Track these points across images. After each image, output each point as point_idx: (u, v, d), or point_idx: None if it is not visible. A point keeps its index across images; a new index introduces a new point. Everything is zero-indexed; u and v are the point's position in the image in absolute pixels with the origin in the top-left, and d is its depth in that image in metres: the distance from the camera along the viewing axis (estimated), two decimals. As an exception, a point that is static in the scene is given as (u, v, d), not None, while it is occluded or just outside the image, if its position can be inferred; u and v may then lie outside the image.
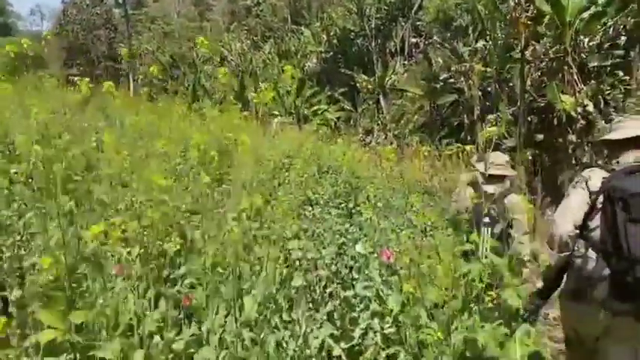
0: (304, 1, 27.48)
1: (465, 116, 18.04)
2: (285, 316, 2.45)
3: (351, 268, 3.17)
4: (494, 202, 4.33)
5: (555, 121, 11.29)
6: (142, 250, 2.57)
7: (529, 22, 10.71)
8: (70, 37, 26.25)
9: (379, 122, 20.72)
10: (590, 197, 2.86)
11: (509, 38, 13.35)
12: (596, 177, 2.87)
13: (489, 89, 15.82)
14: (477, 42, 16.87)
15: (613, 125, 3.14)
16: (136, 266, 2.48)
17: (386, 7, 23.74)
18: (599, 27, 11.32)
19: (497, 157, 4.56)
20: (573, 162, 10.91)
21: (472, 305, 2.31)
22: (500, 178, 4.40)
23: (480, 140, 14.09)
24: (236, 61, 25.38)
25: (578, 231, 2.88)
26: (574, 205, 2.91)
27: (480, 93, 16.97)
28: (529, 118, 12.88)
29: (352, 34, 24.15)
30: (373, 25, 23.37)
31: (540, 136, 12.32)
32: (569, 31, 10.43)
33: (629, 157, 2.87)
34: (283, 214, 4.59)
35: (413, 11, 22.83)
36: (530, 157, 11.53)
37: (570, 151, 10.96)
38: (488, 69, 15.69)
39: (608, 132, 3.06)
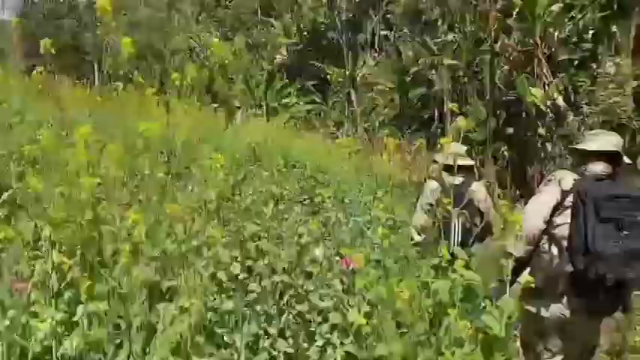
0: (274, -8, 26.96)
1: (436, 109, 17.95)
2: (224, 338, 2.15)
3: (310, 274, 2.87)
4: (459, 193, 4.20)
5: (525, 115, 11.19)
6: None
7: (499, 15, 10.56)
8: (32, 26, 25.29)
9: (350, 115, 20.50)
10: (561, 195, 2.99)
11: (479, 31, 13.21)
12: (568, 178, 3.01)
13: (459, 83, 15.72)
14: (446, 35, 16.73)
15: (588, 136, 3.27)
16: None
17: (357, 0, 23.46)
18: (567, 20, 11.25)
19: (460, 148, 4.42)
20: (542, 156, 10.84)
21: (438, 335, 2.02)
22: (467, 169, 4.39)
23: (450, 134, 14.02)
24: (205, 53, 24.79)
25: (544, 226, 3.01)
26: (545, 201, 3.04)
27: (450, 86, 16.88)
28: (499, 112, 12.80)
29: (323, 26, 23.81)
30: (344, 18, 23.07)
31: (510, 130, 12.23)
32: (538, 24, 10.30)
33: (597, 168, 3.02)
34: (242, 212, 4.29)
35: (384, 4, 22.59)
36: (499, 151, 11.43)
37: (540, 144, 10.87)
38: (458, 62, 15.58)
39: (583, 141, 3.20)
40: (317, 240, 3.91)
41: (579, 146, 3.16)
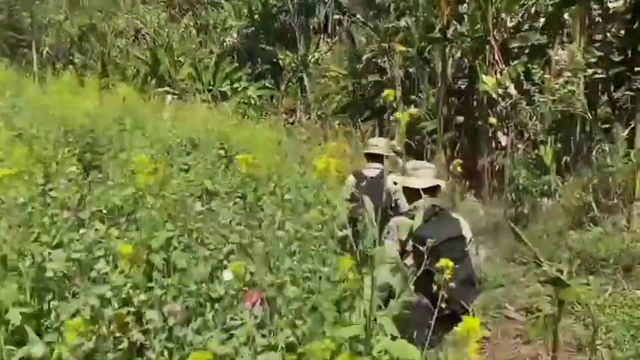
0: (225, -28, 25.91)
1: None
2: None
3: (216, 301, 2.34)
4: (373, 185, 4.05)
5: (476, 103, 10.89)
6: None
7: (451, 0, 10.16)
8: (-38, 2, 23.54)
9: (302, 102, 19.91)
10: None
11: (431, 17, 12.82)
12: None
13: (411, 70, 15.35)
14: (398, 20, 16.30)
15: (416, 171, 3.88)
16: None
17: (309, -18, 22.78)
18: (519, 7, 10.97)
19: (377, 140, 5.25)
20: (493, 146, 10.59)
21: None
22: (378, 159, 4.88)
23: (401, 122, 13.48)
24: (151, 35, 23.64)
25: None
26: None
27: (402, 74, 16.50)
28: (450, 100, 12.50)
29: (275, 9, 23.04)
30: (296, 1, 22.38)
31: (461, 119, 11.93)
32: (490, 10, 9.97)
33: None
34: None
35: (336, -12, 21.99)
36: (450, 141, 11.12)
37: (490, 134, 10.61)
38: (410, 49, 15.19)
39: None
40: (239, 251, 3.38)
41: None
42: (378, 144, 5.07)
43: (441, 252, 2.88)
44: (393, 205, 4.75)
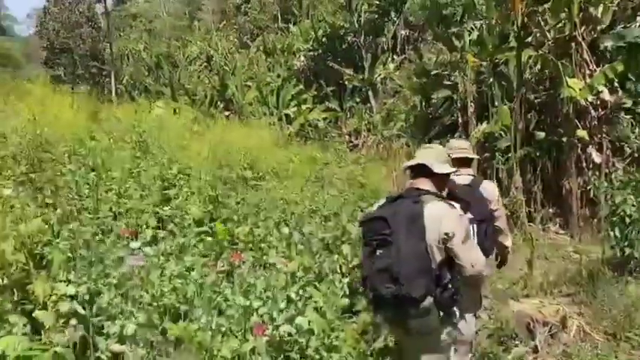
0: (294, -2, 25.15)
1: (459, 114, 15.59)
2: None
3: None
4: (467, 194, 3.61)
5: (560, 115, 8.78)
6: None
7: (526, -1, 8.23)
8: (50, 36, 24.16)
9: (367, 122, 18.29)
10: None
11: (505, 22, 10.84)
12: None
13: (484, 83, 13.36)
14: (470, 33, 14.35)
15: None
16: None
17: (377, 2, 21.35)
18: None
19: (461, 142, 4.32)
20: (583, 165, 8.41)
21: None
22: (464, 164, 3.93)
23: (473, 140, 11.24)
24: (222, 60, 23.11)
25: None
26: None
27: (474, 88, 14.52)
28: (529, 115, 10.42)
29: (342, 30, 21.77)
30: (363, 21, 21.00)
31: (541, 134, 9.79)
32: (576, 1, 7.87)
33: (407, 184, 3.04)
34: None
35: (406, 6, 20.36)
36: (529, 160, 9.05)
37: (579, 150, 8.46)
38: (483, 62, 13.22)
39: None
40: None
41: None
42: (465, 146, 4.17)
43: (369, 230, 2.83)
44: (490, 216, 3.87)
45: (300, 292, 2.85)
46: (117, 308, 2.56)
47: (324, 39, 21.84)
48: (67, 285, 2.73)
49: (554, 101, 9.61)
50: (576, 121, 8.28)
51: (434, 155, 2.97)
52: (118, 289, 2.67)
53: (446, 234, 2.67)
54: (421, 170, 2.92)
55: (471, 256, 2.76)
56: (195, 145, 7.31)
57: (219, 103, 20.20)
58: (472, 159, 4.19)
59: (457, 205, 2.93)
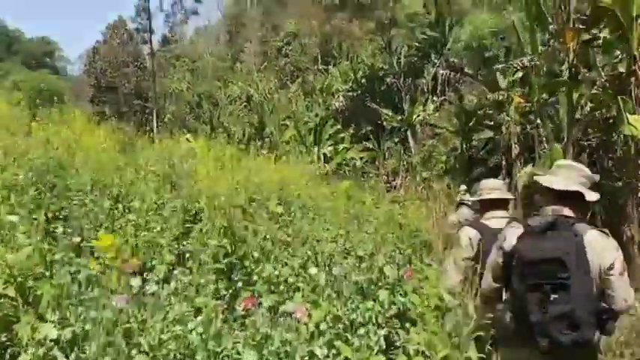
0: (335, 40, 25.29)
1: (503, 156, 14.93)
2: None
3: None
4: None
5: (617, 157, 8.08)
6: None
7: (580, 28, 7.70)
8: (97, 74, 24.92)
9: (405, 163, 17.79)
10: (503, 258, 2.69)
11: (552, 61, 10.29)
12: (511, 235, 2.67)
13: (530, 124, 12.77)
14: (514, 72, 13.84)
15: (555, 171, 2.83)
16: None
17: (417, 44, 21.17)
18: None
19: (494, 182, 3.97)
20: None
21: None
22: (500, 205, 3.66)
23: (518, 183, 10.47)
24: (261, 100, 23.24)
25: (496, 285, 2.79)
26: (491, 261, 2.82)
27: (519, 129, 13.91)
28: (581, 156, 9.72)
29: (381, 71, 21.62)
30: (403, 62, 20.79)
31: (595, 177, 9.05)
32: (636, 31, 7.27)
33: (547, 211, 2.65)
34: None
35: (446, 48, 20.09)
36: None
37: (640, 195, 7.70)
38: (528, 102, 12.64)
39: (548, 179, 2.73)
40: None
41: (546, 184, 2.70)
42: (498, 187, 3.85)
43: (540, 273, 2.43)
44: None
45: (327, 346, 2.34)
46: (106, 357, 2.11)
47: (363, 80, 21.73)
48: (54, 327, 2.30)
49: (609, 142, 8.92)
50: (638, 162, 7.56)
51: (579, 178, 2.70)
52: (109, 334, 2.22)
53: (609, 266, 2.49)
54: (566, 195, 2.62)
55: (626, 290, 2.54)
56: (225, 179, 6.95)
57: (256, 141, 20.16)
58: (507, 200, 3.83)
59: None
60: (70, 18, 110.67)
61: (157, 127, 23.24)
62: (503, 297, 2.82)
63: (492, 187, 3.78)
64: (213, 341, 2.06)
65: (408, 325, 3.40)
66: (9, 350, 2.49)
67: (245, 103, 23.91)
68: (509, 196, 3.85)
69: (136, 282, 2.56)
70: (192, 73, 26.08)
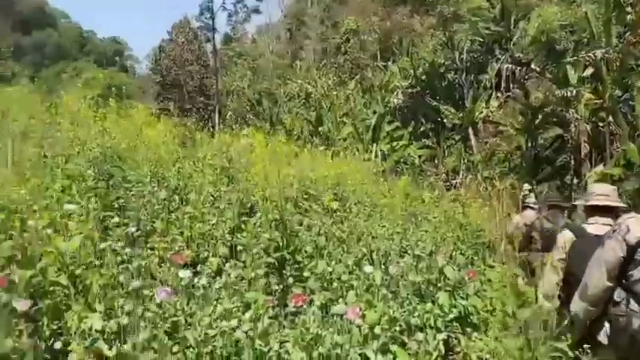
0: (395, 36, 24.88)
1: (571, 155, 14.15)
2: None
3: None
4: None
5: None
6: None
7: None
8: (163, 72, 25.65)
9: (466, 161, 17.20)
10: (627, 248, 2.58)
11: (627, 53, 9.59)
12: (636, 226, 2.60)
13: (602, 121, 12.01)
14: (585, 68, 13.04)
15: None
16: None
17: (481, 39, 20.41)
18: None
19: (604, 188, 3.69)
20: None
21: None
22: (607, 212, 3.37)
23: (589, 182, 9.86)
24: (319, 97, 23.21)
25: (610, 284, 2.63)
26: (609, 256, 2.65)
27: (589, 127, 13.12)
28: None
29: (442, 67, 21.03)
30: (465, 58, 20.12)
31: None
32: None
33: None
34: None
35: (512, 42, 19.25)
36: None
37: None
38: (599, 98, 11.90)
39: None
40: None
41: None
42: (608, 193, 3.66)
43: None
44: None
45: (381, 350, 2.16)
46: (150, 351, 2.02)
47: (423, 76, 21.22)
48: (101, 317, 2.24)
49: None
50: None
51: None
52: (155, 327, 2.14)
53: None
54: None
55: None
56: (281, 174, 6.87)
57: (314, 137, 20.14)
58: (615, 207, 3.55)
59: None
60: (139, 18, 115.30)
61: (219, 123, 23.68)
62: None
63: (602, 193, 3.60)
64: (260, 340, 1.93)
65: (469, 330, 3.17)
66: (61, 338, 2.46)
67: (304, 101, 23.95)
68: (618, 203, 3.59)
69: (185, 274, 2.48)
70: (253, 70, 26.38)
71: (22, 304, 2.03)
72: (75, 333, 2.25)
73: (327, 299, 2.72)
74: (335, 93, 23.09)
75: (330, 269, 2.89)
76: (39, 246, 2.75)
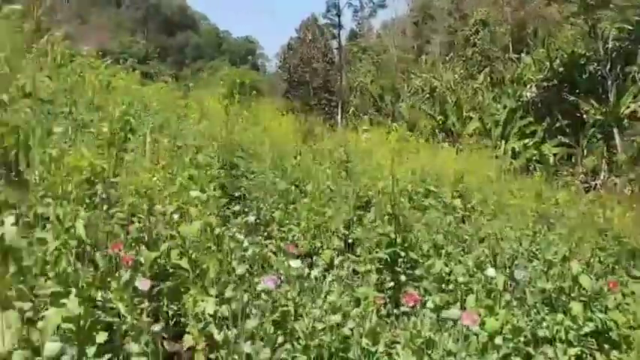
0: (529, 26, 23.31)
1: None
2: None
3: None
4: None
5: None
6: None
7: None
8: (290, 70, 26.47)
9: (609, 161, 15.61)
10: None
11: None
12: None
13: None
14: None
15: None
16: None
17: (630, 26, 18.37)
18: None
19: None
20: None
21: None
22: None
23: None
24: (445, 92, 22.50)
25: None
26: None
27: None
28: None
29: (583, 59, 19.27)
30: (610, 48, 18.23)
31: None
32: None
33: None
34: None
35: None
36: None
37: None
38: None
39: None
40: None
41: None
42: None
43: None
44: None
45: (503, 362, 1.95)
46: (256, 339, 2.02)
47: (560, 68, 19.61)
48: (215, 302, 2.29)
49: None
50: None
51: None
52: (269, 313, 2.13)
53: None
54: None
55: None
56: (401, 169, 6.71)
57: (437, 133, 19.57)
58: None
59: None
60: (271, 18, 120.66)
61: (341, 119, 23.91)
62: None
63: None
64: (368, 338, 1.83)
65: (607, 346, 2.81)
66: (180, 320, 2.56)
67: (428, 95, 23.37)
68: None
69: (296, 264, 2.45)
70: (376, 66, 26.28)
71: (143, 284, 2.12)
72: (190, 315, 2.32)
73: (444, 301, 2.54)
74: (461, 87, 22.24)
75: (447, 269, 2.70)
76: (164, 230, 2.90)
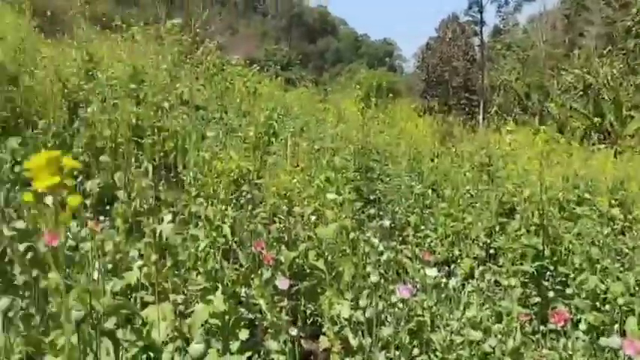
0: None
1: None
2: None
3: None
4: None
5: None
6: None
7: None
8: (428, 69, 25.94)
9: None
10: None
11: None
12: None
13: None
14: None
15: None
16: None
17: None
18: None
19: None
20: None
21: None
22: None
23: None
24: (601, 88, 20.51)
25: None
26: None
27: None
28: None
29: None
30: None
31: None
32: None
33: None
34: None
35: None
36: None
37: None
38: None
39: None
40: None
41: None
42: None
43: None
44: None
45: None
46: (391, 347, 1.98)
47: None
48: (350, 306, 2.31)
49: None
50: None
51: None
52: (405, 322, 2.09)
53: None
54: None
55: None
56: (550, 174, 6.23)
57: (592, 134, 17.88)
58: None
59: None
60: (407, 19, 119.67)
61: (483, 119, 22.94)
62: None
63: None
64: (511, 357, 1.70)
65: None
66: (317, 320, 2.62)
67: (581, 93, 21.48)
68: None
69: (432, 272, 2.38)
70: (522, 62, 24.75)
71: (283, 283, 2.20)
72: (326, 317, 2.36)
73: (599, 321, 2.29)
74: (621, 83, 20.09)
75: (603, 287, 2.43)
76: (302, 231, 2.99)
